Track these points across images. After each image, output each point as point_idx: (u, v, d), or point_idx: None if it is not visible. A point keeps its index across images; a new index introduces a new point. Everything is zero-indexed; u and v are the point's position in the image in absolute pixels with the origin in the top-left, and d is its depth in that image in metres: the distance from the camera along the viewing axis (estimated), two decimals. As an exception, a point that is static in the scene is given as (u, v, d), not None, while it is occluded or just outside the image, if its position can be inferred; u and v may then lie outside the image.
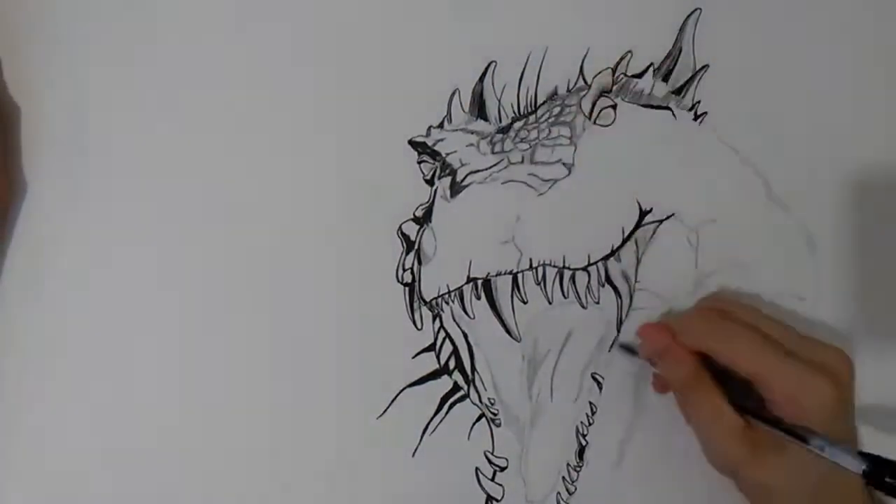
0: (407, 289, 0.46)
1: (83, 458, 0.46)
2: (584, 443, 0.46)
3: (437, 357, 0.46)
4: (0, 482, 0.46)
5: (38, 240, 0.46)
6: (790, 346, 0.41)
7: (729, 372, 0.41)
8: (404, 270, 0.46)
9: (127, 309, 0.46)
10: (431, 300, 0.46)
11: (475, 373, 0.46)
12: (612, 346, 0.46)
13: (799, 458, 0.40)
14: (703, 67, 0.46)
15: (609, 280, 0.46)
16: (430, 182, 0.46)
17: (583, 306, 0.46)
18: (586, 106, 0.46)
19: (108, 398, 0.46)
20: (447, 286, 0.46)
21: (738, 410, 0.41)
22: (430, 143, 0.46)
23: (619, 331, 0.46)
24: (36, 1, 0.47)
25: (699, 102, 0.46)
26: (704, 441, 0.43)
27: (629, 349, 0.46)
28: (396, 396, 0.46)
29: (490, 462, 0.46)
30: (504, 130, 0.46)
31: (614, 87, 0.46)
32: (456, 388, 0.46)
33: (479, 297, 0.46)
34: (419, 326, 0.46)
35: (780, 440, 0.40)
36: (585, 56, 0.46)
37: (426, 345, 0.46)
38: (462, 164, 0.46)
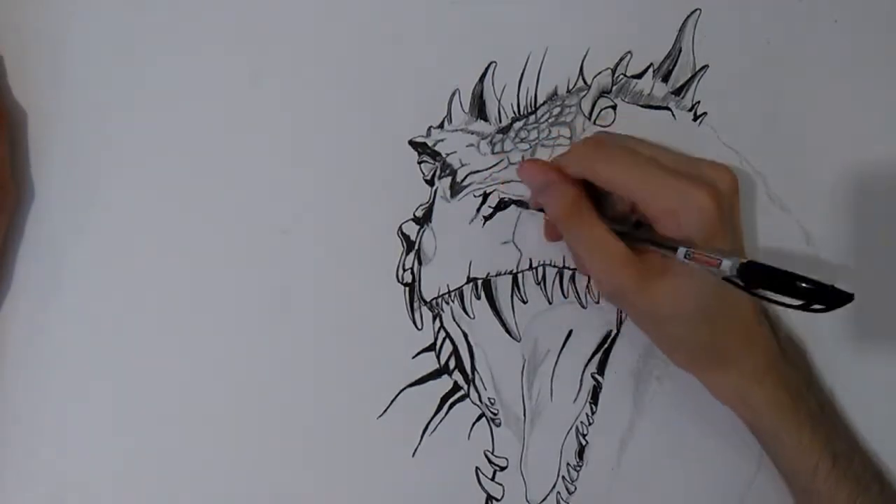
0: (407, 289, 0.46)
1: (90, 460, 0.46)
2: (584, 443, 0.46)
3: (437, 357, 0.46)
4: (8, 484, 0.46)
5: (47, 244, 0.47)
6: (670, 164, 0.40)
7: (614, 201, 0.42)
8: (404, 270, 0.46)
9: (133, 310, 0.46)
10: (431, 300, 0.46)
11: (475, 373, 0.46)
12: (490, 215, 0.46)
13: (686, 282, 0.39)
14: (702, 67, 0.46)
15: (609, 280, 0.46)
16: (430, 182, 0.46)
17: (583, 306, 0.46)
18: (586, 106, 0.46)
19: (116, 399, 0.46)
20: (447, 286, 0.46)
21: (623, 239, 0.40)
22: (430, 144, 0.46)
23: (619, 331, 0.46)
24: (40, 5, 0.47)
25: (699, 103, 0.46)
26: (592, 272, 0.42)
27: (522, 203, 0.45)
28: (396, 396, 0.46)
29: (490, 462, 0.46)
30: (504, 131, 0.46)
31: (614, 88, 0.46)
32: (456, 387, 0.46)
33: (479, 297, 0.46)
34: (419, 326, 0.46)
35: (666, 265, 0.39)
36: (585, 56, 0.46)
37: (426, 345, 0.46)
38: (462, 165, 0.46)
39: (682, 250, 0.38)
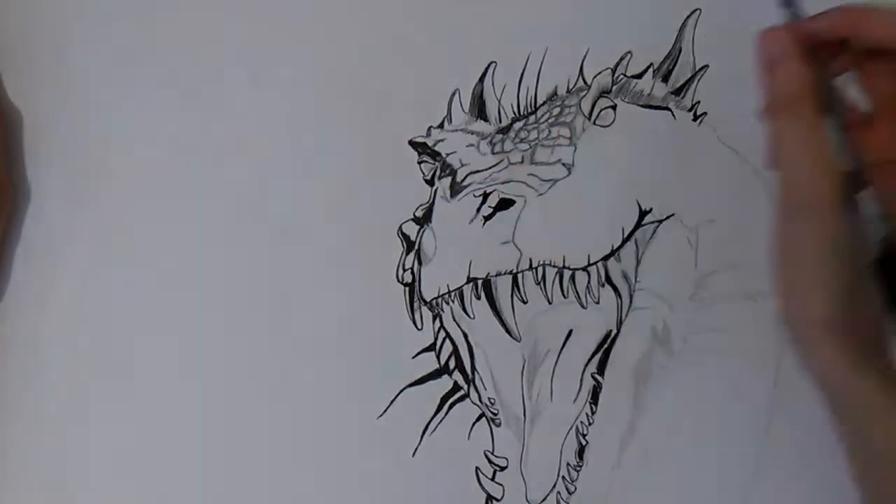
0: (407, 289, 0.46)
1: (91, 460, 0.46)
2: (584, 443, 0.46)
3: (437, 357, 0.46)
4: (9, 485, 0.46)
5: (42, 244, 0.47)
6: None
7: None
8: (404, 270, 0.46)
9: (130, 310, 0.46)
10: (431, 300, 0.46)
11: (475, 373, 0.46)
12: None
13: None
14: (702, 67, 0.46)
15: (609, 280, 0.46)
16: (430, 182, 0.46)
17: (583, 306, 0.46)
18: (586, 106, 0.46)
19: (115, 399, 0.46)
20: (447, 286, 0.46)
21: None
22: (430, 144, 0.46)
23: (619, 331, 0.46)
24: (36, 7, 0.47)
25: (699, 103, 0.46)
26: (790, 171, 0.35)
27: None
28: (396, 396, 0.46)
29: (490, 462, 0.46)
30: (504, 131, 0.46)
31: (614, 88, 0.46)
32: (456, 387, 0.46)
33: (479, 297, 0.46)
34: (419, 326, 0.46)
35: None
36: (585, 56, 0.46)
37: (426, 345, 0.46)
38: (462, 165, 0.46)
39: None
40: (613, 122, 0.46)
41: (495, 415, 0.46)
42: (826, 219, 0.34)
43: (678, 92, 0.46)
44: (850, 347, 0.35)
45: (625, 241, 0.45)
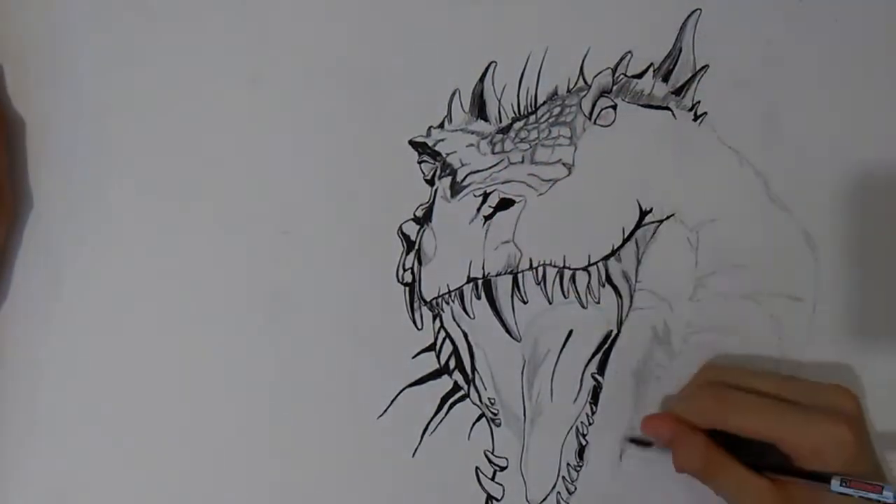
0: (407, 289, 0.46)
1: (91, 461, 0.46)
2: (584, 443, 0.46)
3: (437, 357, 0.46)
4: (9, 486, 0.46)
5: (45, 252, 0.47)
6: (794, 397, 0.41)
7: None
8: (404, 270, 0.46)
9: (133, 316, 0.46)
10: (431, 300, 0.46)
11: (475, 373, 0.46)
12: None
13: None
14: (703, 67, 0.46)
15: (609, 280, 0.46)
16: (431, 182, 0.46)
17: (583, 306, 0.46)
18: (586, 106, 0.46)
19: (116, 402, 0.46)
20: (447, 286, 0.46)
21: (761, 471, 0.41)
22: (430, 144, 0.46)
23: (619, 330, 0.46)
24: (38, 14, 0.47)
25: (699, 102, 0.46)
26: None
27: (641, 442, 0.45)
28: (396, 396, 0.46)
29: (490, 462, 0.46)
30: (504, 131, 0.46)
31: (614, 88, 0.46)
32: (456, 387, 0.46)
33: (479, 297, 0.46)
34: (419, 326, 0.46)
35: (812, 492, 0.40)
36: (585, 56, 0.46)
37: (426, 345, 0.46)
38: (462, 165, 0.46)
39: (836, 479, 0.38)
40: (613, 121, 0.46)
41: (495, 415, 0.46)
42: None
43: (678, 92, 0.46)
44: None
45: (625, 241, 0.45)
